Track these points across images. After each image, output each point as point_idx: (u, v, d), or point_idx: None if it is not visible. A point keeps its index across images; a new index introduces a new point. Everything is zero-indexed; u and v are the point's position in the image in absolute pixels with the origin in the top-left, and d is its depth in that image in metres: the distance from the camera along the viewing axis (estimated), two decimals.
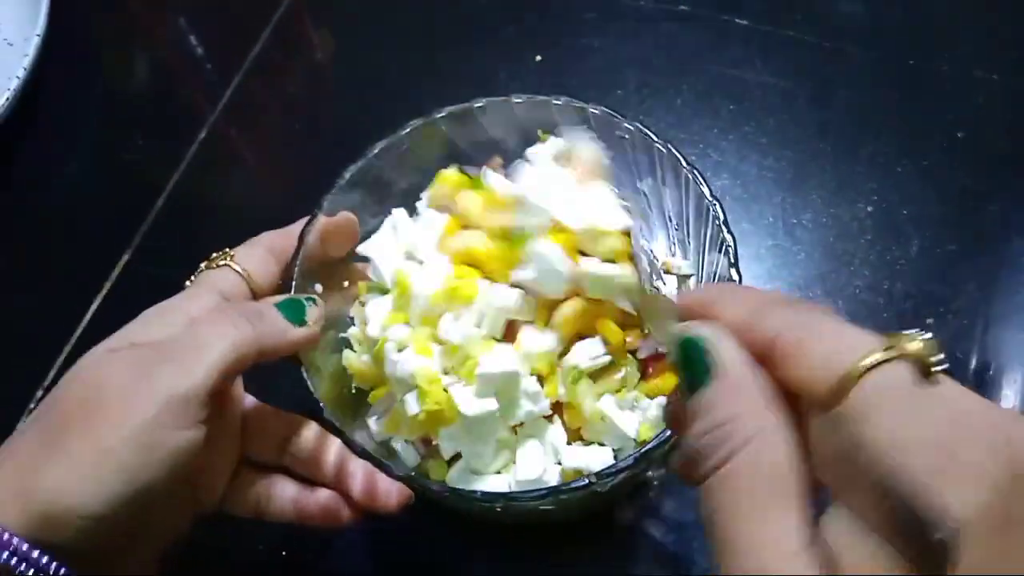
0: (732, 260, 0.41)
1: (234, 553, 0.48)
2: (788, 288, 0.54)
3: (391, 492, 0.38)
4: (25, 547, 0.30)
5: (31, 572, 0.30)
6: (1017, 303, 0.53)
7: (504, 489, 0.41)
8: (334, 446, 0.39)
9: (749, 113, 0.62)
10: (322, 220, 0.44)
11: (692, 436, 0.24)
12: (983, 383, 0.50)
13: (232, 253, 0.41)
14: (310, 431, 0.40)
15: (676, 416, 0.27)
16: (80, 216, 0.64)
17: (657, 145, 0.44)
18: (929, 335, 0.23)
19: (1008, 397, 0.50)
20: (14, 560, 0.29)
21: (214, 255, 0.42)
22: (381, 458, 0.38)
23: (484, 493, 0.39)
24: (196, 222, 0.62)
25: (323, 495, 0.39)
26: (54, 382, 0.54)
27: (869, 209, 0.57)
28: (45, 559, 0.30)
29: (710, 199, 0.43)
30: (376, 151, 0.46)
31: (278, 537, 0.49)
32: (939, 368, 0.22)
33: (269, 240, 0.43)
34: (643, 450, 0.36)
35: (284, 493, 0.40)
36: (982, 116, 0.60)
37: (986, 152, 0.59)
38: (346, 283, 0.47)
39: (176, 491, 0.34)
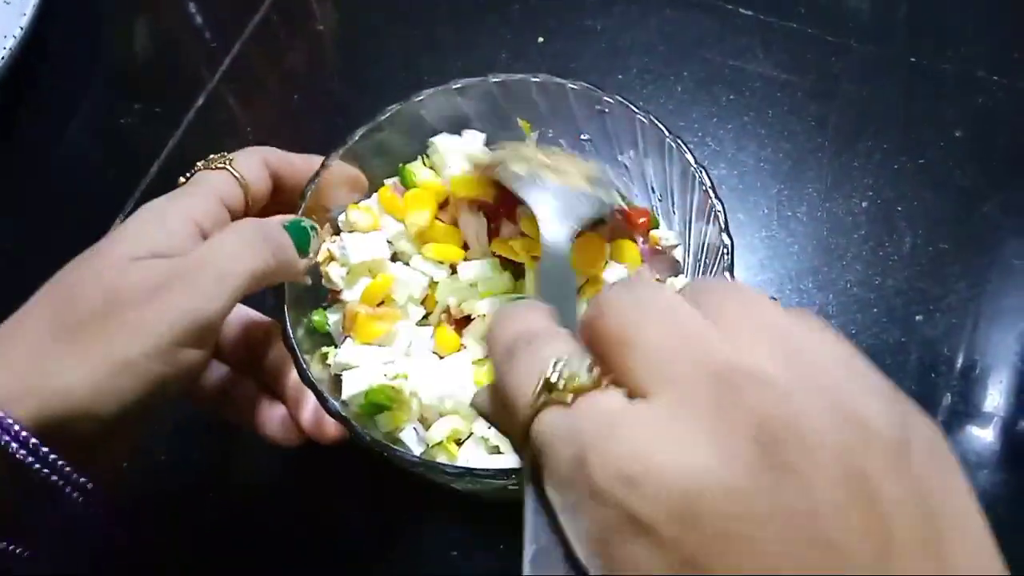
0: (723, 226, 0.41)
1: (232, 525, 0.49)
2: (780, 280, 0.55)
3: (332, 425, 0.40)
4: (34, 441, 0.30)
5: (42, 469, 0.31)
6: (1007, 305, 0.54)
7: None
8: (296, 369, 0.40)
9: (749, 103, 0.62)
10: (337, 161, 0.44)
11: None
12: (969, 381, 0.51)
13: (230, 157, 0.41)
14: (280, 344, 0.41)
15: None
16: (76, 179, 0.63)
17: (639, 116, 0.44)
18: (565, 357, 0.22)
19: (993, 396, 0.50)
20: (23, 452, 0.30)
21: (212, 156, 0.41)
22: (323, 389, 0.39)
23: (454, 467, 0.38)
24: None
25: (280, 412, 0.41)
26: None
27: (864, 204, 0.57)
28: (54, 456, 0.31)
29: (695, 166, 0.43)
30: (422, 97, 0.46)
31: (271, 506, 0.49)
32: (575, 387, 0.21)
33: (266, 154, 0.43)
34: None
35: (246, 397, 0.41)
36: (982, 117, 0.60)
37: (984, 153, 0.59)
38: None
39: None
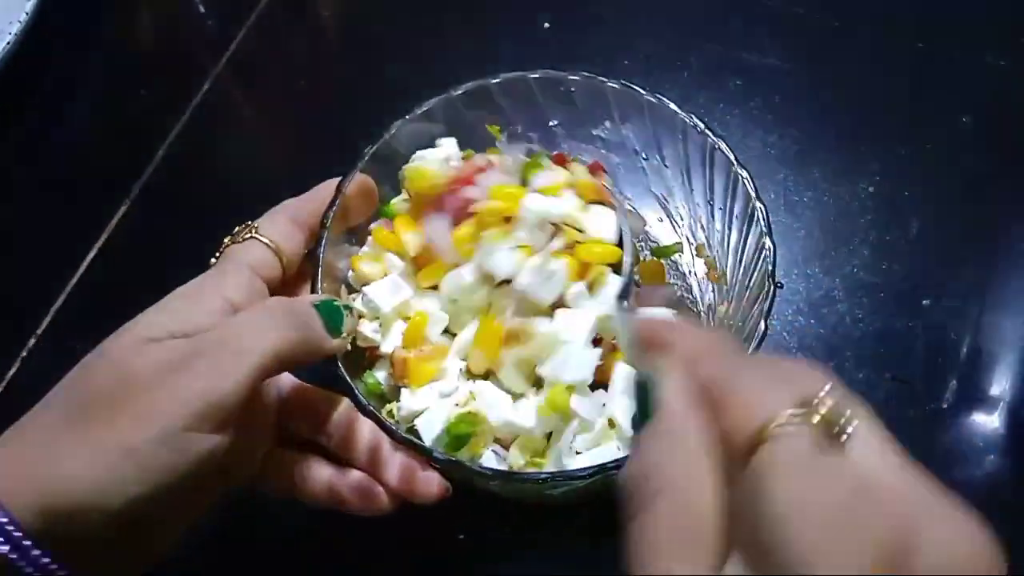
0: (765, 228, 0.41)
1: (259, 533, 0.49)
2: (787, 265, 0.54)
3: (431, 481, 0.37)
4: (27, 543, 0.29)
5: (29, 570, 0.29)
6: (1013, 288, 0.54)
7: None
8: (367, 427, 0.38)
9: (755, 89, 0.62)
10: (359, 176, 0.43)
11: (626, 473, 0.24)
12: (976, 366, 0.51)
13: (255, 225, 0.40)
14: (344, 409, 0.39)
15: None
16: (80, 165, 0.63)
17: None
18: (841, 394, 0.22)
19: (1000, 381, 0.50)
20: (14, 555, 0.28)
21: (236, 229, 0.40)
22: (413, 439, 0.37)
23: (533, 473, 0.38)
24: (196, 174, 0.62)
25: (355, 477, 0.38)
26: (48, 330, 0.55)
27: (871, 190, 0.57)
28: (46, 560, 0.29)
29: (736, 166, 0.43)
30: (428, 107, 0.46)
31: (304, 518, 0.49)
32: (847, 431, 0.21)
33: (292, 208, 0.41)
34: None
35: (319, 474, 0.38)
36: (988, 102, 0.60)
37: (990, 138, 0.59)
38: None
39: (202, 484, 0.33)
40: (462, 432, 0.40)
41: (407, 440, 0.37)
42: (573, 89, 0.45)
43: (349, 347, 0.41)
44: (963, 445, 0.48)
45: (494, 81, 0.45)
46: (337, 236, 0.43)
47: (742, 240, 0.44)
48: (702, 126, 0.44)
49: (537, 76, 0.45)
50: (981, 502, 0.21)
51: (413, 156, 0.46)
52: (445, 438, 0.40)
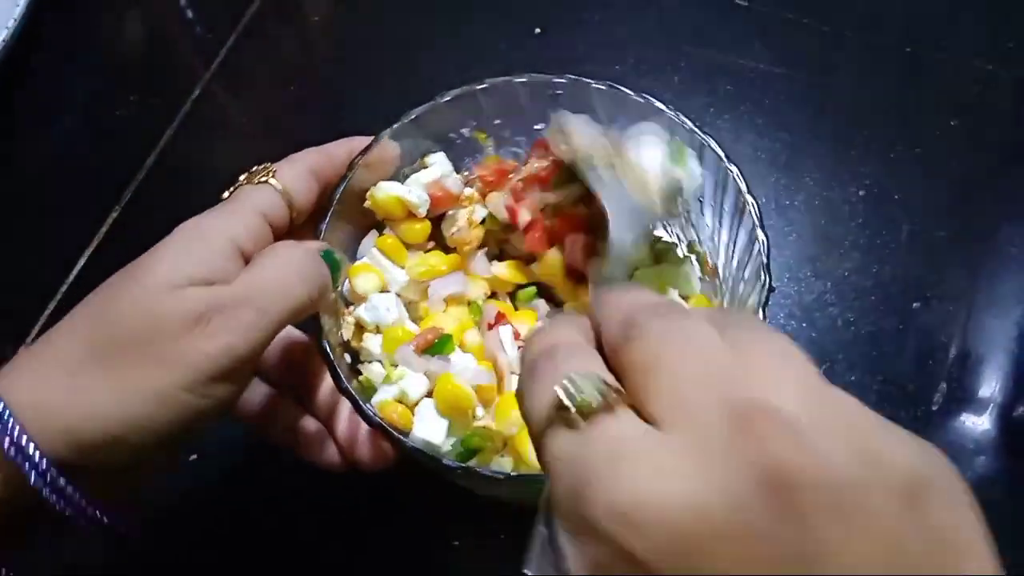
0: (757, 222, 0.41)
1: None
2: (778, 268, 0.55)
3: (385, 453, 0.39)
4: (52, 472, 0.30)
5: (58, 501, 0.30)
6: (1002, 292, 0.54)
7: None
8: (328, 380, 0.40)
9: (746, 94, 0.62)
10: (377, 148, 0.43)
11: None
12: (966, 368, 0.51)
13: (273, 169, 0.40)
14: (311, 357, 0.41)
15: None
16: (71, 171, 0.63)
17: (670, 115, 0.44)
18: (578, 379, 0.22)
19: (989, 383, 0.51)
20: (40, 482, 0.30)
21: (254, 168, 0.40)
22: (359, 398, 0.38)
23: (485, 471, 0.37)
24: (186, 180, 0.61)
25: (312, 425, 0.41)
26: (41, 332, 0.54)
27: (861, 193, 0.57)
28: (72, 489, 0.31)
29: (727, 162, 0.43)
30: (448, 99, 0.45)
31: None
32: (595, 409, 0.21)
33: (312, 160, 0.42)
34: None
35: (289, 418, 0.41)
36: (976, 105, 0.61)
37: (979, 141, 0.59)
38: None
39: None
40: (474, 445, 0.40)
41: (350, 394, 0.38)
42: (560, 92, 0.45)
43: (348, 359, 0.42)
44: (954, 446, 0.49)
45: (479, 87, 0.45)
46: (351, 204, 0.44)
47: (734, 235, 0.44)
48: (690, 123, 0.44)
49: (524, 80, 0.45)
50: None
51: (409, 179, 0.46)
52: (458, 448, 0.40)
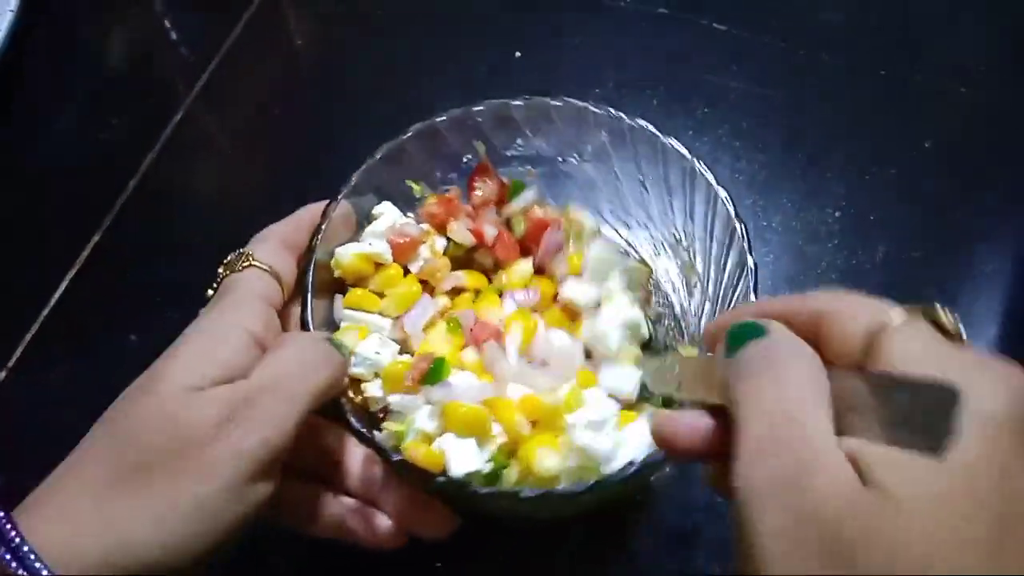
0: (746, 247, 0.42)
1: None
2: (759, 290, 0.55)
3: (440, 515, 0.38)
4: None
5: None
6: (977, 310, 0.55)
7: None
8: (376, 466, 0.38)
9: (724, 116, 0.63)
10: (344, 203, 0.43)
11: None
12: None
13: (249, 252, 0.39)
14: (357, 450, 0.39)
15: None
16: (52, 194, 0.63)
17: (662, 140, 0.47)
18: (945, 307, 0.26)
19: None
20: None
21: (230, 257, 0.39)
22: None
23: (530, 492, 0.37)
24: (169, 204, 0.62)
25: (354, 507, 0.38)
26: (20, 362, 0.54)
27: (837, 214, 0.58)
28: None
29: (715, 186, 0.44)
30: (409, 134, 0.46)
31: None
32: (957, 331, 0.25)
33: (280, 232, 0.41)
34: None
35: (331, 509, 0.38)
36: (949, 126, 0.62)
37: (952, 162, 0.60)
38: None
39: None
40: (501, 464, 0.39)
41: (403, 466, 0.37)
42: (480, 119, 0.47)
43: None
44: None
45: (404, 136, 0.46)
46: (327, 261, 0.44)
47: (710, 226, 0.45)
48: (677, 143, 0.46)
49: (482, 107, 0.47)
50: None
51: (364, 233, 0.46)
52: (487, 470, 0.39)
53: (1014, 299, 0.55)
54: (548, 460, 0.38)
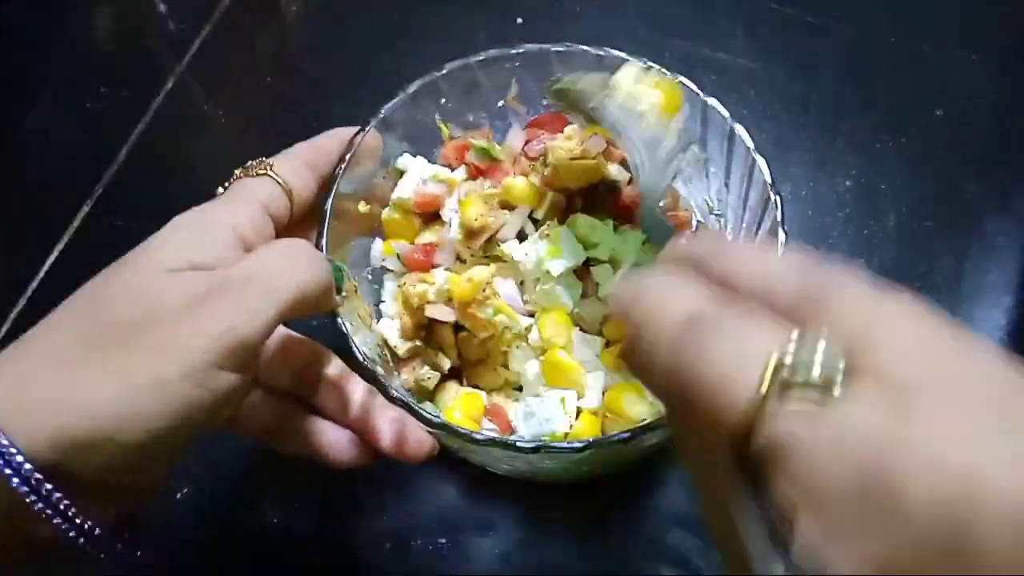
0: (769, 181, 0.42)
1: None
2: None
3: (423, 443, 0.37)
4: (37, 477, 0.27)
5: (44, 508, 0.27)
6: (989, 280, 0.54)
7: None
8: (360, 388, 0.38)
9: (731, 85, 0.61)
10: (372, 132, 0.43)
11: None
12: None
13: (270, 162, 0.38)
14: (335, 367, 0.38)
15: None
16: (42, 165, 0.61)
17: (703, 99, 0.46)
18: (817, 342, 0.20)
19: None
20: (26, 490, 0.27)
21: (250, 163, 0.38)
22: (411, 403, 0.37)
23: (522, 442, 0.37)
24: (160, 173, 0.60)
25: (346, 437, 0.38)
26: (8, 337, 0.53)
27: (848, 184, 0.57)
28: (59, 495, 0.28)
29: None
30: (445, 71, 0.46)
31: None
32: (839, 381, 0.19)
33: (307, 153, 0.41)
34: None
35: (301, 425, 0.38)
36: (961, 95, 0.60)
37: (963, 131, 0.59)
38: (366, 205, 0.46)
39: (205, 423, 0.31)
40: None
41: (402, 402, 0.37)
42: (517, 63, 0.48)
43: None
44: None
45: (439, 74, 0.46)
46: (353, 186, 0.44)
47: (743, 194, 0.45)
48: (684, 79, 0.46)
49: (481, 59, 0.47)
50: None
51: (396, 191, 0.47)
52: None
53: None
54: (637, 406, 0.40)
